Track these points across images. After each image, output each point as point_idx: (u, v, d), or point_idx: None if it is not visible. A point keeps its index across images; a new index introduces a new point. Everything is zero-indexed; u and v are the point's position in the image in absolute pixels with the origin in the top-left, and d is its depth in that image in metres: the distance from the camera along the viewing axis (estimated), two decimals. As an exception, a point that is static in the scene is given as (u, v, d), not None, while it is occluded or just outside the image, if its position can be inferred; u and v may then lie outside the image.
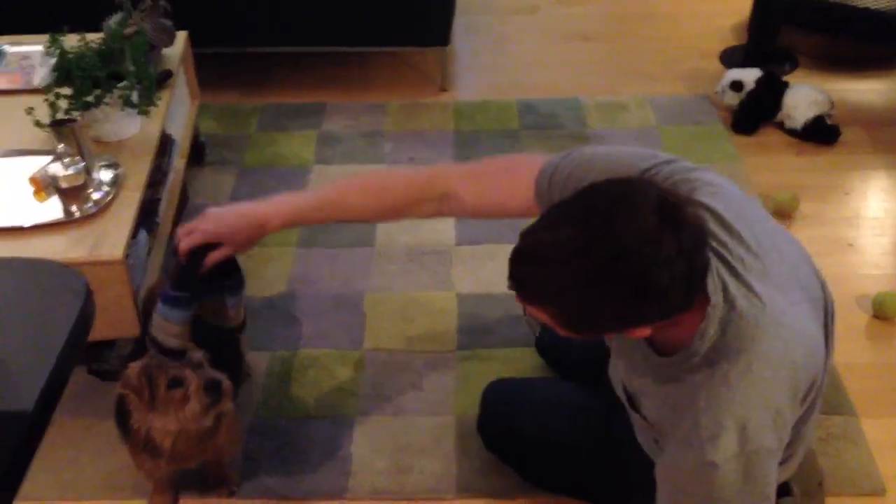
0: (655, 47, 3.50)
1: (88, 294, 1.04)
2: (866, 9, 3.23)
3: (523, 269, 1.20)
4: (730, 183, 1.36)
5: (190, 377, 1.57)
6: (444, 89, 3.23)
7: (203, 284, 1.64)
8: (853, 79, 3.26)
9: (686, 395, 1.24)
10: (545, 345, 2.05)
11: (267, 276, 2.39)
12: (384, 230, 2.55)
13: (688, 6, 3.81)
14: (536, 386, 1.90)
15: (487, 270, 2.41)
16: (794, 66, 3.33)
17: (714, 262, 1.22)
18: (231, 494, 1.84)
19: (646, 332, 1.21)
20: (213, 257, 1.60)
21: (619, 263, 1.11)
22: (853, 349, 2.16)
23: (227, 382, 1.60)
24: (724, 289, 1.22)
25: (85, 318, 1.03)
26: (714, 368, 1.21)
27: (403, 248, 2.49)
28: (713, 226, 1.26)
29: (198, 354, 1.61)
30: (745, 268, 1.24)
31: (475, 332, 2.22)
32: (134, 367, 1.57)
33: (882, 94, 3.19)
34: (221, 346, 1.74)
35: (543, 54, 3.49)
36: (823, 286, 1.39)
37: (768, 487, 1.24)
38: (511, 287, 1.24)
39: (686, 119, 3.03)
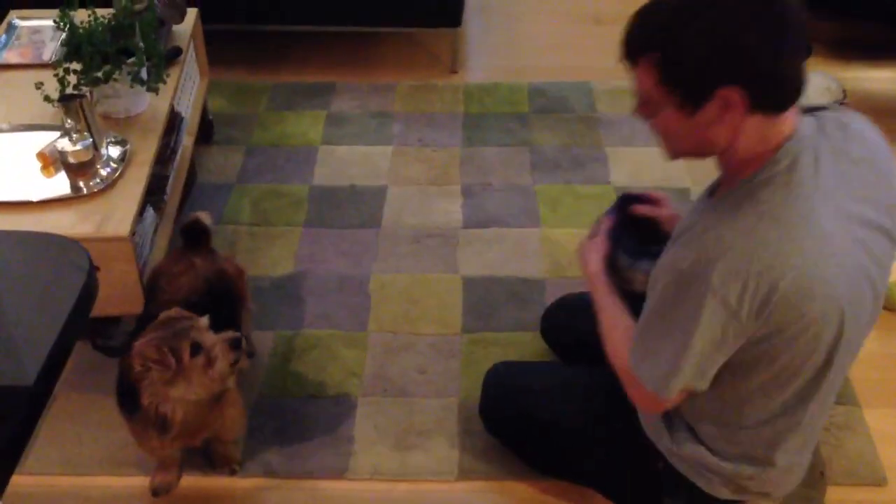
0: (668, 32, 3.48)
1: (91, 268, 1.04)
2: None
3: (643, 14, 1.26)
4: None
5: (210, 339, 1.58)
6: (454, 71, 3.22)
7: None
8: (866, 67, 3.23)
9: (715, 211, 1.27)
10: (549, 325, 2.05)
11: (273, 255, 2.39)
12: (391, 211, 2.55)
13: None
14: (539, 370, 1.91)
15: (493, 253, 2.41)
16: (808, 53, 3.29)
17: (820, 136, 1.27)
18: (233, 473, 1.86)
19: (732, 110, 1.21)
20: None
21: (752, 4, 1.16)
22: (858, 339, 2.15)
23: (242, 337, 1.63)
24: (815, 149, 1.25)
25: (88, 293, 1.04)
26: (751, 203, 1.23)
27: (410, 230, 2.49)
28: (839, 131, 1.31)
29: (203, 319, 1.61)
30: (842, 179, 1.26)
31: (480, 315, 2.23)
32: (147, 343, 1.56)
33: (894, 83, 3.16)
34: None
35: (555, 37, 3.47)
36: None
37: (691, 325, 1.24)
38: (626, 41, 1.29)
39: (697, 105, 3.01)
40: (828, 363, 1.30)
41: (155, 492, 1.83)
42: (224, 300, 1.88)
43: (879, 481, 1.84)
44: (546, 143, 2.84)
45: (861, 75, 3.17)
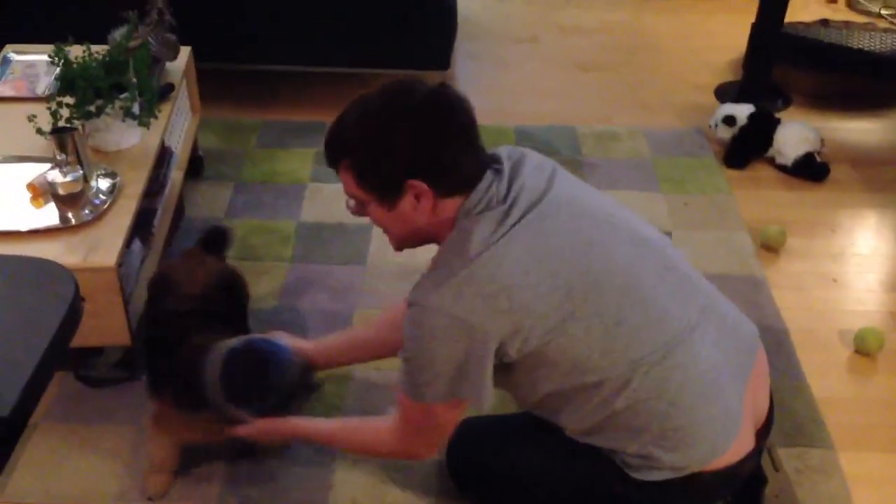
0: (652, 79, 3.56)
1: (76, 296, 1.05)
2: (860, 50, 3.29)
3: (334, 128, 1.49)
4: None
5: None
6: (442, 113, 3.27)
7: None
8: (844, 118, 3.31)
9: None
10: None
11: (259, 289, 2.41)
12: (377, 249, 2.58)
13: (685, 41, 3.87)
14: (504, 420, 1.83)
15: (476, 292, 2.43)
16: (787, 103, 3.38)
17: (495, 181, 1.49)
18: (255, 455, 1.94)
19: (422, 200, 1.44)
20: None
21: (411, 109, 1.43)
22: (834, 383, 2.18)
23: None
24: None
25: (71, 321, 1.03)
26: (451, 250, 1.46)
27: (395, 267, 2.52)
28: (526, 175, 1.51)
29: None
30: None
31: (462, 353, 2.24)
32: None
33: (872, 134, 3.24)
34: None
35: (542, 82, 3.54)
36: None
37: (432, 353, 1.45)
38: (325, 151, 1.50)
39: (679, 151, 3.07)
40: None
41: (150, 497, 1.85)
42: (235, 297, 1.96)
43: (853, 524, 1.86)
44: (531, 185, 2.88)
45: (838, 125, 3.25)
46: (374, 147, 1.43)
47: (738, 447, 1.54)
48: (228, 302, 1.91)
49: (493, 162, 1.52)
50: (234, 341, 1.70)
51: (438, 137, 1.43)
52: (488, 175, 1.48)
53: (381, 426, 1.70)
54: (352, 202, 1.53)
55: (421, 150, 1.42)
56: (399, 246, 1.59)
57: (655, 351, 1.46)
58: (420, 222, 1.49)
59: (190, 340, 1.71)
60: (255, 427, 1.72)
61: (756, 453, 1.61)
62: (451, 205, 1.47)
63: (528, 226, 1.44)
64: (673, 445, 1.50)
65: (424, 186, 1.43)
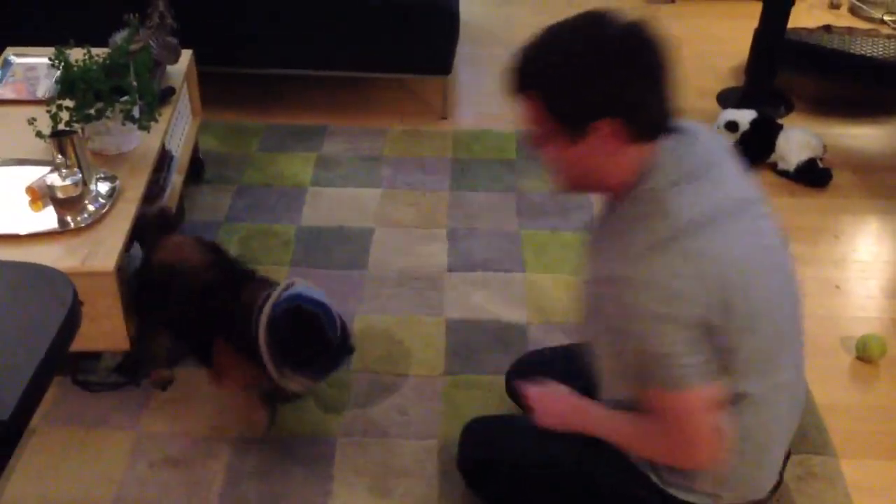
0: (654, 85, 3.54)
1: (75, 301, 1.05)
2: (863, 56, 3.28)
3: (524, 56, 1.37)
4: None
5: None
6: (444, 117, 3.27)
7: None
8: (846, 124, 3.30)
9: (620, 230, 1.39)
10: (514, 380, 1.98)
11: (258, 294, 2.41)
12: (378, 253, 2.57)
13: (688, 46, 3.86)
14: (516, 420, 1.86)
15: (477, 297, 2.43)
16: (789, 109, 3.37)
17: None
18: (298, 398, 2.07)
19: (610, 139, 1.33)
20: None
21: (611, 42, 1.31)
22: (836, 390, 2.17)
23: None
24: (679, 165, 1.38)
25: (69, 326, 1.03)
26: (644, 223, 1.36)
27: (396, 272, 2.51)
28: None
29: None
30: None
31: (463, 358, 2.24)
32: None
33: (874, 140, 3.23)
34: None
35: (543, 87, 3.52)
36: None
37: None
38: (511, 81, 1.39)
39: (681, 156, 3.06)
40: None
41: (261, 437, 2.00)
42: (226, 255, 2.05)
43: (855, 533, 1.85)
44: (533, 190, 2.88)
45: (840, 132, 3.24)
46: (572, 79, 1.32)
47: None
48: (228, 260, 2.01)
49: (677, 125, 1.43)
50: (280, 295, 1.76)
51: (639, 76, 1.32)
52: (675, 138, 1.40)
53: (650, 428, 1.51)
54: (529, 134, 1.42)
55: (620, 86, 1.31)
56: (566, 187, 1.47)
57: (764, 390, 1.43)
58: (598, 164, 1.38)
59: (238, 300, 1.82)
60: (536, 396, 1.67)
61: (778, 485, 1.61)
62: (634, 152, 1.36)
63: (734, 222, 1.37)
64: (723, 480, 1.48)
65: (617, 124, 1.32)
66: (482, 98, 3.44)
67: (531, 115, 1.39)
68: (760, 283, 1.37)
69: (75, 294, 1.08)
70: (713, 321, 1.32)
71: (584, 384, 1.65)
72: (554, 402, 1.66)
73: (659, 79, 1.34)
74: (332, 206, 2.78)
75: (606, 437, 1.55)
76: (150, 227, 2.09)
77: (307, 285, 1.84)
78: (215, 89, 3.01)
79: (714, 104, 3.40)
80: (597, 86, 1.31)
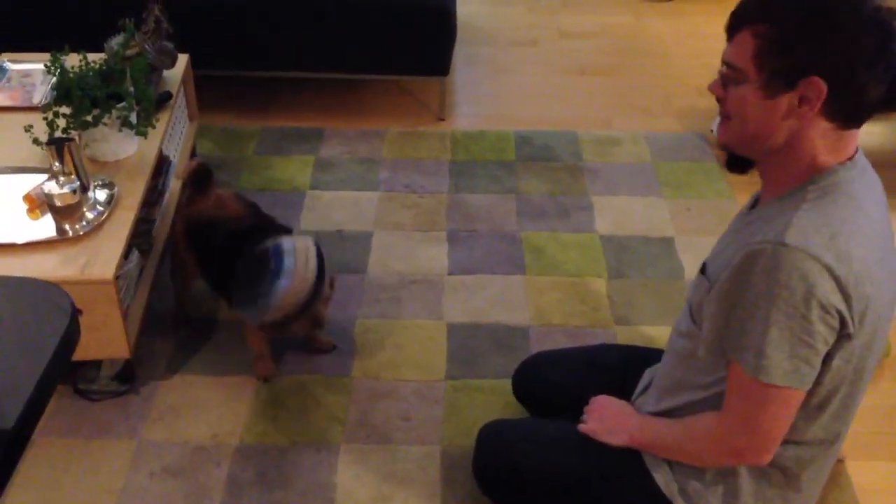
0: (652, 83, 3.54)
1: (74, 312, 1.04)
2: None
3: None
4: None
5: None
6: (441, 118, 3.25)
7: None
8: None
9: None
10: (521, 383, 1.98)
11: (258, 299, 2.39)
12: (377, 257, 2.56)
13: (686, 44, 3.85)
14: (532, 425, 1.82)
15: (478, 300, 2.42)
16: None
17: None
18: (333, 348, 2.24)
19: (805, 104, 1.26)
20: None
21: (870, 7, 1.23)
22: (840, 391, 2.16)
23: None
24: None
25: (69, 338, 1.03)
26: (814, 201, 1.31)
27: (395, 276, 2.50)
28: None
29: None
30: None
31: (464, 362, 2.22)
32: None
33: (878, 137, 3.22)
34: None
35: (542, 87, 3.52)
36: None
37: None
38: (741, 6, 1.31)
39: (680, 155, 3.05)
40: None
41: (266, 378, 2.16)
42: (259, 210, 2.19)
43: (862, 534, 1.84)
44: (532, 191, 2.86)
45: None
46: (812, 24, 1.24)
47: None
48: (263, 214, 2.16)
49: None
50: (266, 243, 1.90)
51: (878, 54, 1.23)
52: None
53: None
54: (723, 70, 1.34)
55: (856, 54, 1.23)
56: (732, 142, 1.39)
57: (843, 431, 1.43)
58: (779, 129, 1.30)
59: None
60: (598, 401, 1.66)
61: None
62: (820, 132, 1.29)
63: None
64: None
65: (824, 91, 1.24)
66: (480, 99, 3.43)
67: (738, 53, 1.30)
68: (883, 306, 1.34)
69: (73, 304, 1.08)
70: (849, 328, 1.28)
71: (598, 386, 1.64)
72: (606, 405, 1.64)
73: (889, 70, 1.25)
74: (330, 209, 2.76)
75: (655, 436, 1.52)
76: (192, 180, 2.16)
77: (307, 244, 1.92)
78: (211, 93, 3.00)
79: (713, 103, 3.35)
80: (834, 42, 1.23)
